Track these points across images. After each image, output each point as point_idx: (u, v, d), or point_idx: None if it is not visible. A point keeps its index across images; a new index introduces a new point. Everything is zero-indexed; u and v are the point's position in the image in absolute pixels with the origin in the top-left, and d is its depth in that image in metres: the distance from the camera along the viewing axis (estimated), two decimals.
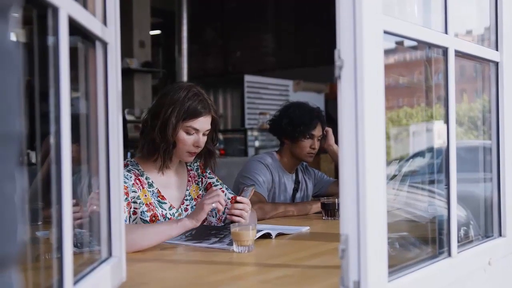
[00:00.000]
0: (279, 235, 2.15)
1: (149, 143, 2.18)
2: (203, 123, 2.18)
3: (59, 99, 1.00)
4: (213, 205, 1.97)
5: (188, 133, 2.17)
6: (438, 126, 1.89)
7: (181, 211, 2.26)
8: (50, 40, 1.01)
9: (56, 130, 1.00)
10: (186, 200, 2.31)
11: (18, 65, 0.58)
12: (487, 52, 1.75)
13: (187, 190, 2.32)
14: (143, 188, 2.16)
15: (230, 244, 1.88)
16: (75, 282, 1.08)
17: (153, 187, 2.20)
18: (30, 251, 1.20)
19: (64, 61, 1.01)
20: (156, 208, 2.17)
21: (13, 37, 0.58)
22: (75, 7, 1.08)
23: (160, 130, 2.14)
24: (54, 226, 1.01)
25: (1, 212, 0.56)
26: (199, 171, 2.40)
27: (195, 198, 2.33)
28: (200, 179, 2.39)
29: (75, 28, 1.11)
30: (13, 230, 0.57)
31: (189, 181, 2.35)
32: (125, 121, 3.97)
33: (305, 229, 2.33)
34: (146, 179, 2.20)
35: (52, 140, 1.00)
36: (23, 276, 0.64)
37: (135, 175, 2.15)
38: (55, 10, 0.99)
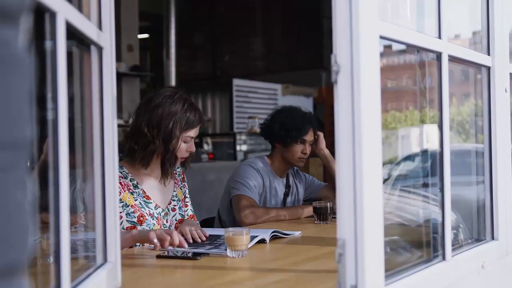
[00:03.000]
0: (273, 238, 2.15)
1: (149, 154, 2.24)
2: (197, 130, 2.32)
3: (56, 103, 0.99)
4: (155, 240, 1.90)
5: (185, 141, 2.28)
6: (427, 130, 1.90)
7: (168, 210, 2.35)
8: (47, 44, 1.00)
9: (53, 135, 0.99)
10: (174, 200, 2.39)
11: (29, 71, 0.57)
12: (479, 57, 1.77)
13: (174, 191, 2.41)
14: (124, 191, 2.22)
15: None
16: None
17: (139, 188, 2.27)
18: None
19: (61, 65, 1.00)
20: (143, 208, 2.23)
21: (23, 43, 0.58)
22: (72, 12, 1.08)
23: (163, 143, 2.22)
24: (52, 232, 1.00)
25: (12, 219, 0.55)
26: (180, 177, 2.50)
27: (181, 200, 2.43)
28: (183, 185, 2.49)
29: (71, 33, 1.10)
30: (24, 237, 0.57)
31: (175, 183, 2.43)
32: None
33: (297, 233, 2.33)
34: (130, 181, 2.26)
35: (49, 144, 1.00)
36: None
37: None
38: (53, 14, 0.98)
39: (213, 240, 2.13)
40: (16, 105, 0.55)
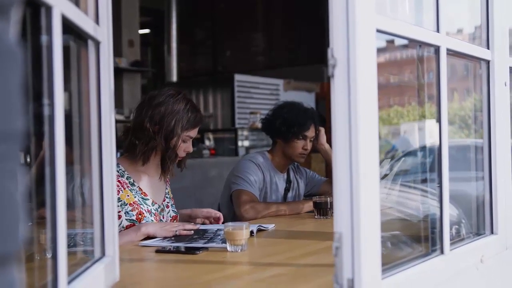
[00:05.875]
0: (258, 231, 2.20)
1: (150, 150, 2.26)
2: (196, 131, 2.35)
3: (53, 98, 0.99)
4: (177, 232, 2.12)
5: (184, 141, 2.30)
6: (429, 125, 1.90)
7: (163, 207, 2.39)
8: (43, 39, 1.00)
9: (50, 130, 0.99)
10: (167, 197, 2.43)
11: (20, 64, 0.58)
12: (478, 51, 1.76)
13: (166, 188, 2.45)
14: (124, 188, 2.24)
15: (224, 241, 1.88)
16: (69, 282, 1.08)
17: (135, 185, 2.29)
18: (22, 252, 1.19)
19: (57, 60, 1.00)
20: (141, 206, 2.25)
21: (14, 36, 0.58)
22: (68, 6, 1.08)
23: (165, 140, 2.24)
24: (48, 226, 1.01)
25: (3, 210, 0.56)
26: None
27: (172, 197, 2.48)
28: (169, 184, 2.53)
29: (67, 27, 1.10)
30: (15, 228, 0.58)
31: (167, 181, 2.47)
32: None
33: (271, 226, 2.36)
34: (127, 178, 2.28)
35: (46, 140, 1.00)
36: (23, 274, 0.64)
37: None
38: (49, 8, 0.98)
39: (205, 231, 2.16)
40: (7, 97, 0.56)
